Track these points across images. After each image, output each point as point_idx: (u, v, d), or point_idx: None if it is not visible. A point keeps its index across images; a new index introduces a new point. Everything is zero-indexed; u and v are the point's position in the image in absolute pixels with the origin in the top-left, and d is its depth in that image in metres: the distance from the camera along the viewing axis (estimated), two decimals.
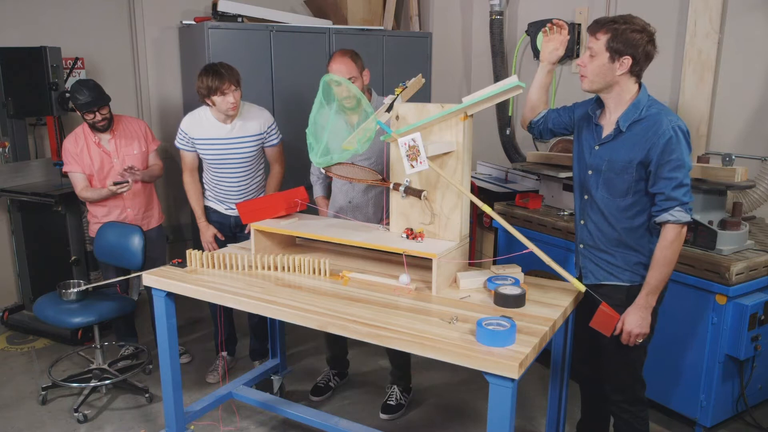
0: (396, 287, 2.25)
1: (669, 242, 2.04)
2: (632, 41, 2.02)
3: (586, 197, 2.27)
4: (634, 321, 2.11)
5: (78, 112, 3.27)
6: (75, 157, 3.33)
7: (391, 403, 3.07)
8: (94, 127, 3.31)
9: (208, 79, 2.91)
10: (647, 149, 2.04)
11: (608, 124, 2.19)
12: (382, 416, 3.03)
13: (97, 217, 3.43)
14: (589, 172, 2.23)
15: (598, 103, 2.25)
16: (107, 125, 3.32)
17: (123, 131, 3.40)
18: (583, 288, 2.04)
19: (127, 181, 3.21)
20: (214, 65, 2.96)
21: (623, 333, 2.13)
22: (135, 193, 3.42)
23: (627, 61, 2.05)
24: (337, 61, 2.77)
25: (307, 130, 2.49)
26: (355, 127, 2.42)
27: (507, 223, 2.21)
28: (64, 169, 3.42)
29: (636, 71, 2.09)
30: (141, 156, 3.44)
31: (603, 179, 2.17)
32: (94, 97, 3.19)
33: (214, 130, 3.08)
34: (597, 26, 2.08)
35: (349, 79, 2.69)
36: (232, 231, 3.27)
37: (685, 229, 2.05)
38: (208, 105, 3.04)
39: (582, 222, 2.31)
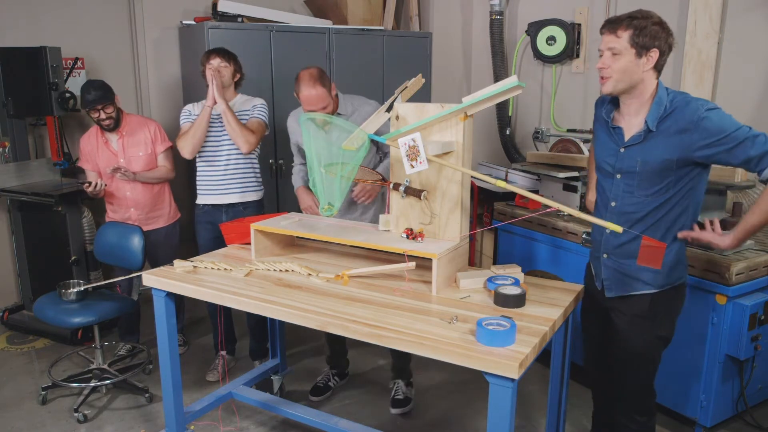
0: (396, 288, 2.25)
1: None
2: (656, 33, 1.96)
3: (613, 204, 2.15)
4: (727, 241, 2.03)
5: (86, 111, 3.33)
6: (86, 155, 3.47)
7: (399, 397, 3.07)
8: (102, 126, 3.37)
9: None
10: (686, 146, 1.97)
11: (630, 125, 2.10)
12: (393, 411, 3.02)
13: (110, 215, 3.55)
14: (618, 176, 2.13)
15: (613, 104, 2.16)
16: (113, 124, 3.37)
17: (131, 132, 3.43)
18: (619, 229, 1.90)
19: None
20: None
21: (708, 237, 2.05)
22: (137, 194, 3.44)
23: (654, 54, 1.98)
24: (307, 89, 2.68)
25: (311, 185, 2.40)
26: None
27: (522, 190, 2.17)
28: (79, 164, 3.59)
29: (660, 65, 2.03)
30: (146, 158, 3.45)
31: (638, 180, 2.07)
32: (98, 96, 3.25)
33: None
34: (616, 24, 1.99)
35: (323, 108, 2.68)
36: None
37: None
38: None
39: (608, 230, 2.15)
